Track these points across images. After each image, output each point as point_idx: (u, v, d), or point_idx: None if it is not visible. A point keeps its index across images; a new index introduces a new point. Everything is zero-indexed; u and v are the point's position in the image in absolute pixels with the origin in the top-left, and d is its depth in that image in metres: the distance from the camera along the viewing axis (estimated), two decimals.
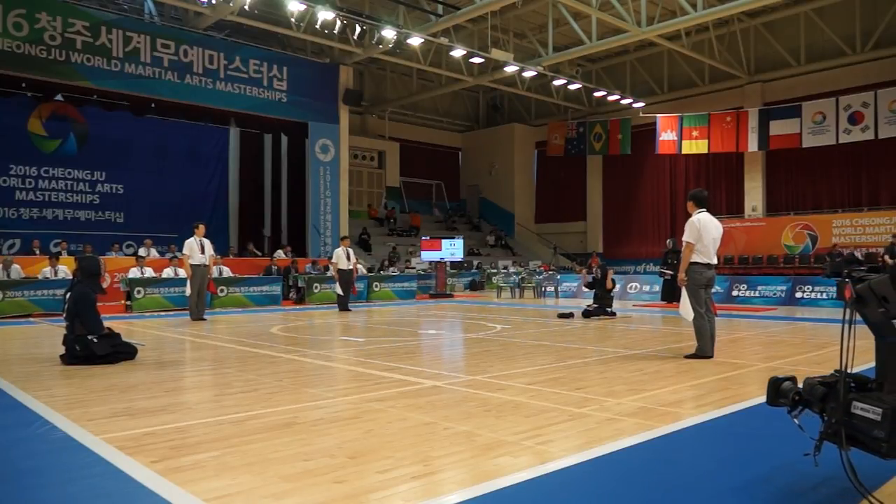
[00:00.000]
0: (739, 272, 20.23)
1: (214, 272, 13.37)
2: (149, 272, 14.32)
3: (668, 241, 15.93)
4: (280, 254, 18.75)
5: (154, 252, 16.45)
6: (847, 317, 2.47)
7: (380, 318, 12.42)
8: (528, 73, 20.72)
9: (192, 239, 11.53)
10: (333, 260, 14.30)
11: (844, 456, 2.41)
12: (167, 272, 14.22)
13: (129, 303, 13.44)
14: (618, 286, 14.46)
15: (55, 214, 18.51)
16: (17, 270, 13.02)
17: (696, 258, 6.47)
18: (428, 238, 19.80)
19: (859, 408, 2.36)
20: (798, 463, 2.60)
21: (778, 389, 2.69)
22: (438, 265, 19.41)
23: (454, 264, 21.70)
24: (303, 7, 16.09)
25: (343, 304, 13.82)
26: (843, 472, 2.36)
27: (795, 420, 2.67)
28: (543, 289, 19.66)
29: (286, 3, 15.60)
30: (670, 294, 14.22)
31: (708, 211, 6.65)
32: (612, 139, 25.42)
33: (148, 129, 19.50)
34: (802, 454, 2.63)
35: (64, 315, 6.54)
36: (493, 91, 28.58)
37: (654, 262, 23.98)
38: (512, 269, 22.49)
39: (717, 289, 14.62)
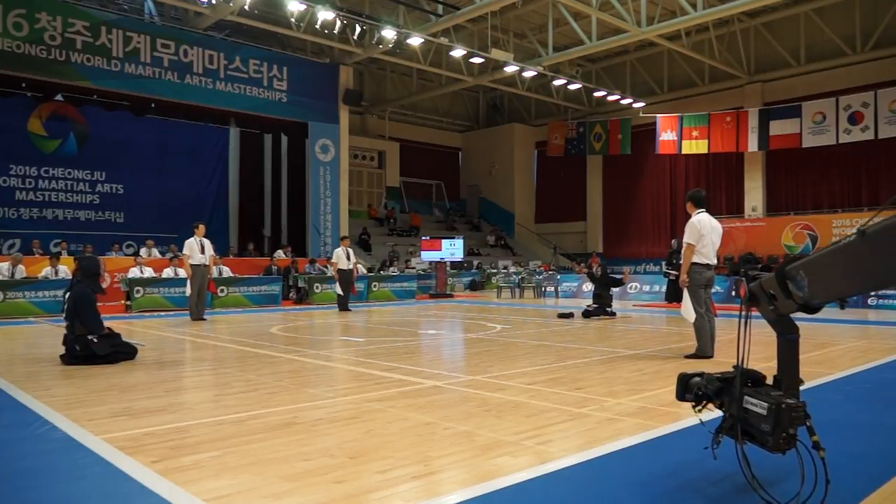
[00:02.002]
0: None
1: (214, 272, 13.37)
2: (148, 272, 14.32)
3: (672, 241, 15.95)
4: (280, 254, 18.75)
5: (155, 252, 16.46)
6: (743, 314, 2.55)
7: (380, 318, 12.42)
8: (528, 73, 20.71)
9: (192, 239, 11.53)
10: (333, 260, 14.30)
11: (739, 449, 2.49)
12: (167, 272, 14.22)
13: (128, 303, 13.45)
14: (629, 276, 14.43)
15: (55, 214, 18.51)
16: (21, 270, 13.04)
17: (695, 259, 6.48)
18: (428, 238, 19.80)
19: (750, 402, 2.43)
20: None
21: (686, 385, 2.75)
22: (438, 265, 19.41)
23: (454, 264, 21.69)
24: (303, 7, 16.08)
25: (343, 304, 13.83)
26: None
27: (699, 415, 2.75)
28: (543, 289, 19.67)
29: (286, 3, 15.59)
30: (674, 294, 14.23)
31: (707, 211, 6.65)
32: (612, 139, 25.41)
33: (148, 129, 19.50)
34: (703, 448, 2.69)
35: (64, 315, 6.54)
36: (493, 91, 28.57)
37: (654, 262, 24.01)
38: (512, 269, 22.49)
39: (716, 289, 14.61)
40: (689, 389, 2.73)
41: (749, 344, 2.45)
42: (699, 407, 2.71)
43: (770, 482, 2.59)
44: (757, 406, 2.38)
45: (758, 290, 2.47)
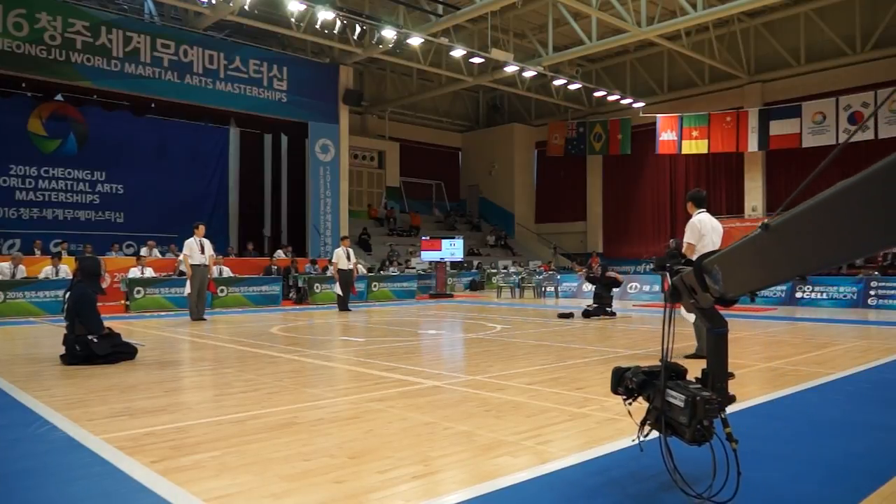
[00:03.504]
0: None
1: (214, 272, 13.37)
2: (149, 272, 14.32)
3: (670, 241, 15.93)
4: (280, 254, 18.75)
5: (156, 252, 16.46)
6: (667, 308, 2.61)
7: (380, 318, 12.42)
8: (528, 73, 20.72)
9: (192, 239, 11.54)
10: (334, 260, 14.31)
11: (663, 441, 2.55)
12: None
13: (127, 303, 13.45)
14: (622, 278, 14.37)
15: (55, 214, 18.51)
16: (21, 271, 13.05)
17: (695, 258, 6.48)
18: (428, 238, 19.80)
19: (671, 395, 2.48)
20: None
21: (620, 378, 2.79)
22: (438, 265, 19.41)
23: (454, 264, 21.69)
24: (303, 7, 16.09)
25: (343, 305, 13.83)
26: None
27: (628, 408, 2.80)
28: (543, 289, 19.66)
29: (286, 3, 15.59)
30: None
31: (708, 211, 6.65)
32: (612, 139, 25.42)
33: (148, 129, 19.50)
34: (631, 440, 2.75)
35: (64, 315, 6.55)
36: (493, 91, 28.57)
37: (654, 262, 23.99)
38: (512, 269, 22.49)
39: None
40: (621, 383, 2.77)
41: (674, 337, 2.53)
42: (630, 400, 2.75)
43: (701, 478, 2.58)
44: (676, 399, 2.44)
45: (679, 284, 2.51)
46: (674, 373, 2.59)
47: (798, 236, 1.83)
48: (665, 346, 2.54)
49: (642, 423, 2.67)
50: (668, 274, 2.62)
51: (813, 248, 1.81)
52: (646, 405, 2.70)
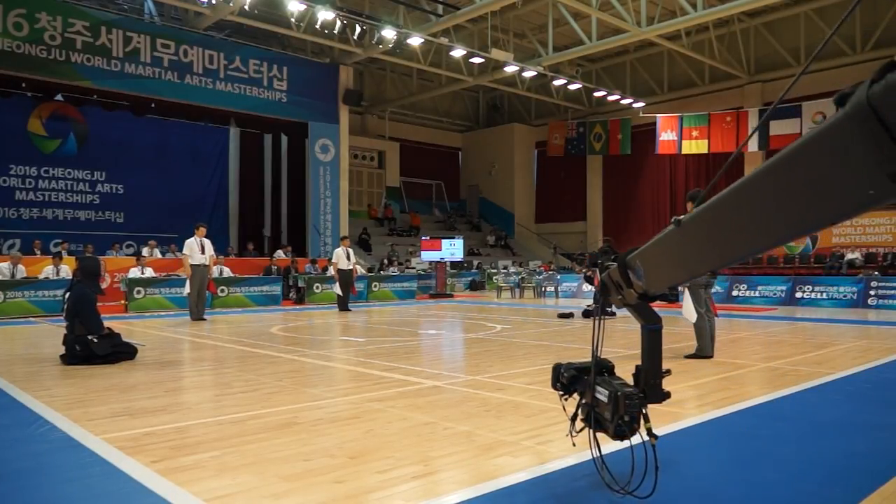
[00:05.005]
0: (739, 272, 20.23)
1: (215, 272, 13.37)
2: (149, 272, 14.32)
3: None
4: (280, 254, 18.75)
5: (157, 252, 16.47)
6: (599, 304, 2.64)
7: (380, 318, 12.42)
8: (528, 73, 20.72)
9: (192, 239, 11.55)
10: (334, 260, 14.31)
11: (591, 435, 2.59)
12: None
13: (125, 302, 13.45)
14: None
15: (55, 214, 18.51)
16: (21, 270, 13.05)
17: None
18: (428, 238, 19.80)
19: (598, 391, 2.51)
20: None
21: (557, 375, 2.82)
22: (438, 265, 19.41)
23: (454, 264, 21.69)
24: (303, 7, 16.09)
25: (343, 305, 13.83)
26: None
27: (563, 403, 2.81)
28: (543, 289, 19.66)
29: (286, 3, 15.60)
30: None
31: None
32: (612, 139, 25.42)
33: (148, 129, 19.51)
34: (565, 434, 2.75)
35: (64, 315, 6.55)
36: (493, 91, 28.57)
37: None
38: (512, 269, 22.50)
39: (717, 289, 14.62)
40: (559, 379, 2.78)
41: (604, 333, 2.56)
42: (566, 396, 2.77)
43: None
44: (602, 395, 2.46)
45: (607, 280, 2.53)
46: (603, 368, 2.62)
47: (703, 232, 1.85)
48: (595, 341, 2.56)
49: (573, 419, 2.68)
50: (598, 270, 2.63)
51: (717, 244, 1.82)
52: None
